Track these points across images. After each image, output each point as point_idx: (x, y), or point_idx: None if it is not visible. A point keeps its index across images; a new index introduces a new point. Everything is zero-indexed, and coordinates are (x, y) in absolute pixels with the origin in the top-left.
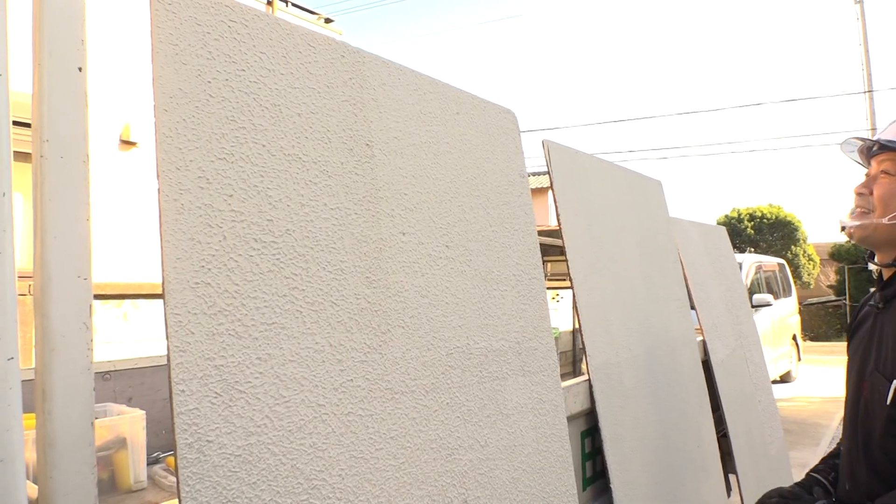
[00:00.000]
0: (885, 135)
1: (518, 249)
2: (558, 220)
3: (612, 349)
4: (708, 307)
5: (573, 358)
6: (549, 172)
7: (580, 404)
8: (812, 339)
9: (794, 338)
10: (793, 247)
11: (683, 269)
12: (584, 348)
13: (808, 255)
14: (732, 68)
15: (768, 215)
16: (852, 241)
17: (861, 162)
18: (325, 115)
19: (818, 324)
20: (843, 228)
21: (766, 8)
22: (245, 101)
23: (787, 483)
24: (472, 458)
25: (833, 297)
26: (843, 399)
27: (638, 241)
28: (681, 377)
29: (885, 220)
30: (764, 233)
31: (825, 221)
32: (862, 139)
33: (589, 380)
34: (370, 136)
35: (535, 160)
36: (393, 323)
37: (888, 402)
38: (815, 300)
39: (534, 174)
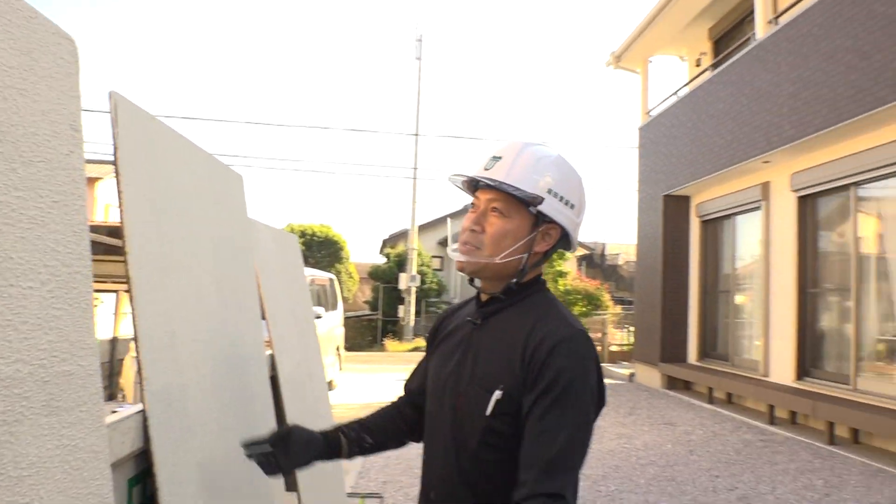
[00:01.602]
0: (495, 173)
1: (57, 230)
2: (120, 200)
3: (175, 369)
4: (278, 319)
5: (110, 371)
6: (113, 136)
7: (130, 444)
8: (349, 350)
9: (338, 349)
10: (337, 264)
11: (258, 275)
12: (140, 370)
13: (349, 273)
14: (304, 90)
15: (319, 233)
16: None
17: (465, 190)
18: None
19: (355, 335)
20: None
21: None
22: None
23: (339, 489)
24: None
25: (368, 312)
26: (426, 410)
27: (214, 239)
28: (250, 398)
29: (497, 259)
30: (314, 249)
31: (365, 243)
32: (468, 176)
33: (144, 411)
34: None
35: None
36: None
37: (488, 412)
38: (353, 314)
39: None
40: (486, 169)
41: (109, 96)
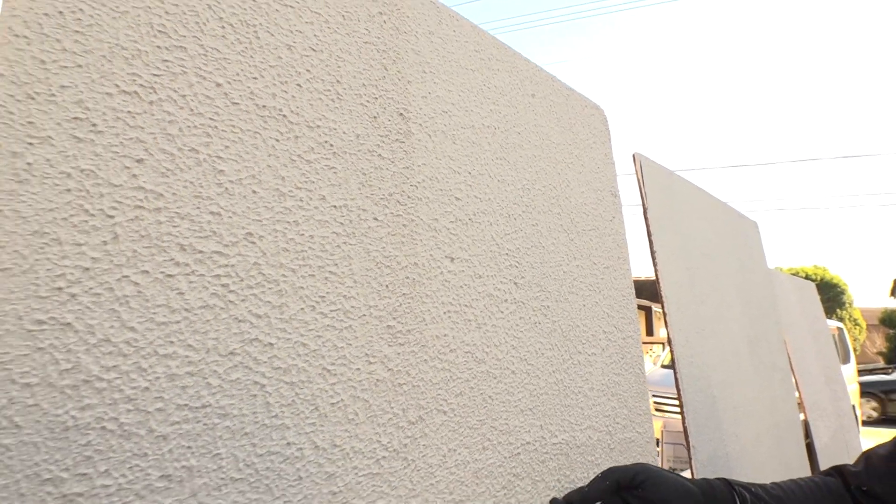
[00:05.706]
0: None
1: (609, 295)
2: (654, 260)
3: (718, 438)
4: (809, 379)
5: None
6: (641, 198)
7: None
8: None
9: (854, 408)
10: (838, 310)
11: (783, 331)
12: (687, 438)
13: (854, 320)
14: (786, 122)
15: (813, 276)
16: None
17: None
18: (336, 57)
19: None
20: None
21: (826, 61)
22: (190, 5)
23: None
24: None
25: (882, 365)
26: None
27: (740, 294)
28: (787, 471)
29: None
30: None
31: (870, 284)
32: None
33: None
34: (406, 104)
35: None
36: (429, 405)
37: None
38: (863, 366)
39: None
40: None
41: (634, 158)
